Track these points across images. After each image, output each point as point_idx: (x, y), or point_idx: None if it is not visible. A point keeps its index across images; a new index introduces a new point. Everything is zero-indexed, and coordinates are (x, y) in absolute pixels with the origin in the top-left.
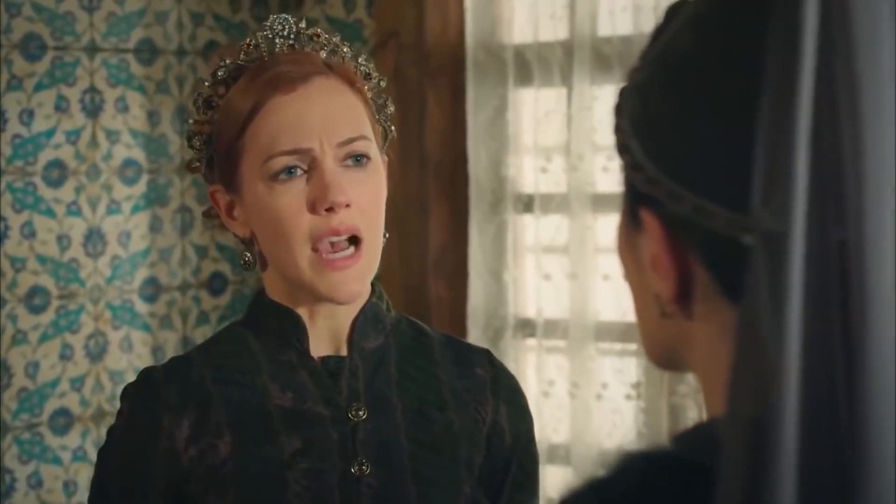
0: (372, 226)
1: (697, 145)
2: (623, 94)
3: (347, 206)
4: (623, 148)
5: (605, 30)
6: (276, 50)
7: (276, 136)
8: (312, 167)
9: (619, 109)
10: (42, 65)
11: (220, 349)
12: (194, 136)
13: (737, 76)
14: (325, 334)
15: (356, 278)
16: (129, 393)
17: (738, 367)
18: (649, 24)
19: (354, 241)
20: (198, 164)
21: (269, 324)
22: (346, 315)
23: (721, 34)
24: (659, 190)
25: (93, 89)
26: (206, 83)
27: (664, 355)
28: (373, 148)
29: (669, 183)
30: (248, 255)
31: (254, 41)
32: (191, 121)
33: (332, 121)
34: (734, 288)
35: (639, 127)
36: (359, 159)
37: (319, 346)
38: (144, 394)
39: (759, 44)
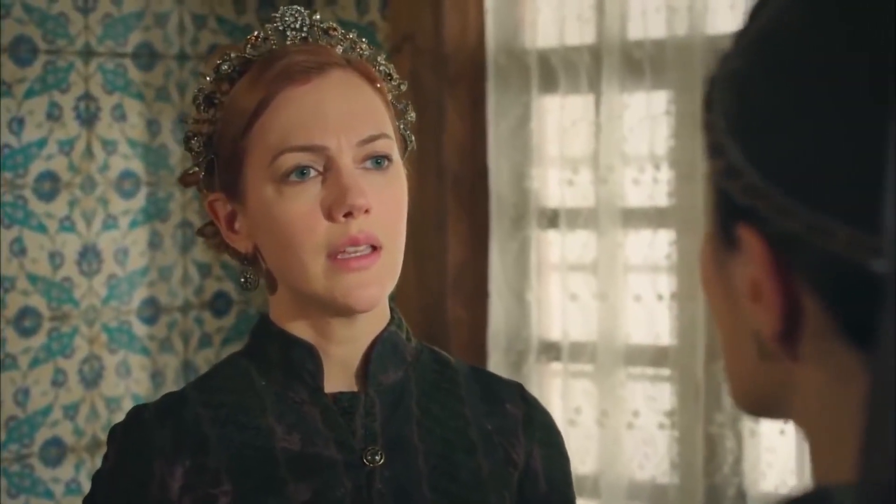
0: (393, 235)
1: (812, 146)
2: (715, 85)
3: (367, 211)
4: (716, 149)
5: (636, 33)
6: (288, 43)
7: (288, 132)
8: (328, 168)
9: (710, 103)
10: (33, 70)
11: (218, 384)
12: (193, 137)
13: (863, 59)
14: (338, 367)
15: (374, 281)
16: (117, 435)
17: (873, 425)
18: (684, 26)
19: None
20: (196, 169)
21: (276, 355)
22: (360, 344)
23: (842, 6)
24: (762, 202)
25: (88, 96)
26: (209, 78)
27: (759, 402)
28: (395, 150)
29: (776, 193)
30: (249, 273)
31: (262, 34)
32: (190, 120)
33: (351, 116)
34: (856, 325)
35: (737, 124)
36: (379, 161)
37: (331, 381)
38: (133, 436)
39: (892, 18)
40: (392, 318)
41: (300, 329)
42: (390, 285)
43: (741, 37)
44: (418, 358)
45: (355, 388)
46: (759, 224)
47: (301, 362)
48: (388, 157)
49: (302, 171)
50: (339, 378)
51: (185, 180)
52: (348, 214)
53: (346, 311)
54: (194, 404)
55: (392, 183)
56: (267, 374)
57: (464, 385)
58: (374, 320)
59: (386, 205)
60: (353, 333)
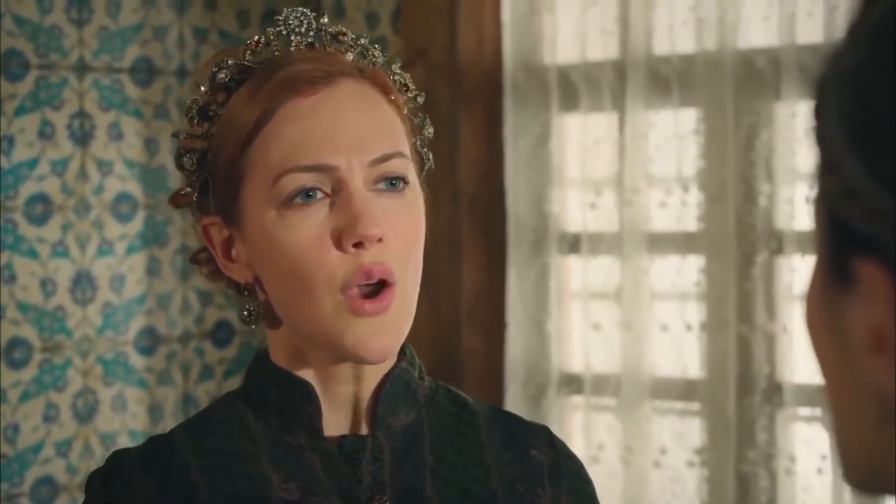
0: (407, 268)
1: None
2: (826, 89)
3: (380, 240)
4: (830, 166)
5: (662, 47)
6: (292, 49)
7: (293, 149)
8: (337, 190)
9: (821, 111)
10: (24, 85)
11: (210, 428)
12: (185, 154)
13: None
14: (343, 408)
15: (390, 328)
16: (95, 484)
17: None
18: (713, 39)
19: (382, 283)
20: (188, 190)
21: (272, 396)
22: (368, 383)
23: None
24: (889, 228)
25: (82, 114)
26: (203, 88)
27: (877, 478)
28: (411, 170)
29: None
30: (251, 305)
31: (263, 39)
32: (182, 135)
33: (363, 133)
34: None
35: (856, 134)
36: (394, 183)
37: (335, 423)
38: (114, 485)
39: None
40: (403, 353)
41: (302, 366)
42: (406, 330)
43: (856, 30)
44: (432, 398)
45: (361, 431)
46: (884, 255)
47: (299, 403)
48: (403, 179)
49: (308, 194)
50: (344, 419)
51: (176, 200)
52: (359, 244)
53: (354, 361)
54: (183, 450)
55: (408, 207)
56: (263, 417)
57: (484, 428)
58: None
59: (401, 233)
60: (361, 373)
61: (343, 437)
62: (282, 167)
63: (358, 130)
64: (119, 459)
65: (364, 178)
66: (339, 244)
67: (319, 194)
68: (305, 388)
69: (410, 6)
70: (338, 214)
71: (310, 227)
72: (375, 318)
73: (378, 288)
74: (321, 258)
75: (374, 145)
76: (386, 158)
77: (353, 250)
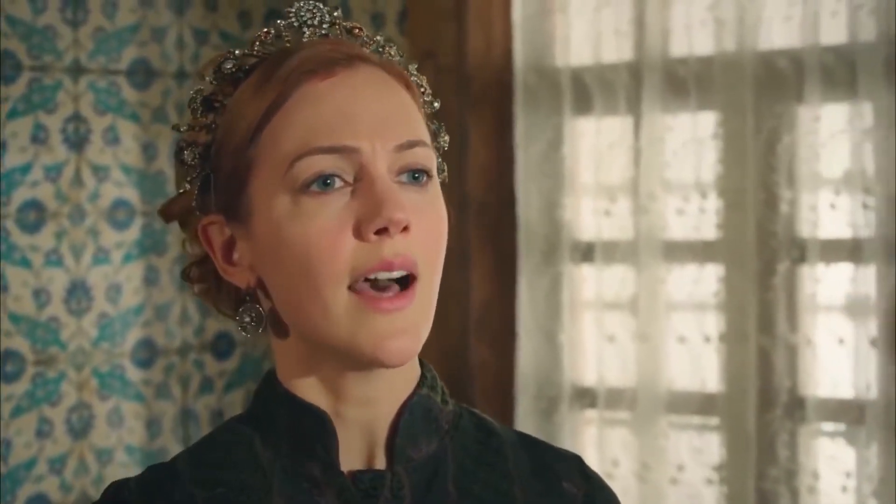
0: (431, 265)
1: None
2: None
3: (406, 229)
4: None
5: (679, 48)
6: (305, 41)
7: (310, 132)
8: (358, 178)
9: None
10: (17, 88)
11: (216, 458)
12: (187, 148)
13: None
14: (357, 436)
15: (409, 328)
16: None
17: None
18: (732, 40)
19: (404, 282)
20: (187, 187)
21: (283, 423)
22: (383, 408)
23: None
24: None
25: (77, 117)
26: (208, 79)
27: None
28: (434, 164)
29: None
30: (253, 312)
31: (274, 31)
32: (183, 127)
33: (386, 117)
34: None
35: None
36: (417, 176)
37: (350, 455)
38: None
39: None
40: (424, 376)
41: (310, 388)
42: (425, 332)
43: None
44: (457, 425)
45: (378, 464)
46: None
47: (312, 433)
48: (427, 172)
49: (326, 181)
50: (359, 451)
51: (168, 210)
52: (382, 231)
53: (371, 365)
54: (186, 481)
55: (433, 203)
56: (273, 446)
57: (511, 458)
58: (399, 377)
59: (426, 226)
60: (374, 393)
61: (359, 471)
62: (298, 150)
63: (381, 113)
64: (118, 492)
65: (388, 165)
66: (358, 233)
67: (338, 182)
68: (318, 415)
69: (417, 7)
70: (359, 202)
71: (325, 216)
72: (393, 316)
73: (401, 283)
74: (333, 249)
75: (399, 129)
76: (411, 145)
77: (374, 238)
